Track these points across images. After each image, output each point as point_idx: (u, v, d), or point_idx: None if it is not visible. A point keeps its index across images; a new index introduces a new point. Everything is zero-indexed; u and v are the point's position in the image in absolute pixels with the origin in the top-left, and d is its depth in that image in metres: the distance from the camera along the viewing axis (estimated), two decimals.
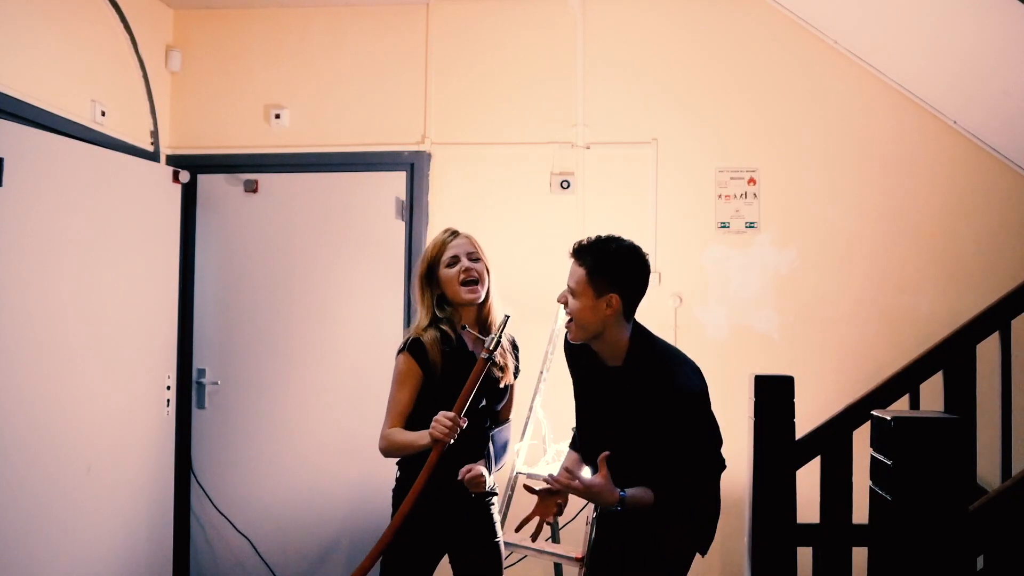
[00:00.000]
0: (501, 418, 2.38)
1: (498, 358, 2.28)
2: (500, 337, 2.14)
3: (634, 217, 3.75)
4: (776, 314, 3.65)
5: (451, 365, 2.24)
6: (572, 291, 2.01)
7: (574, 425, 2.29)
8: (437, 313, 2.28)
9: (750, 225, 3.70)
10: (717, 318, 3.67)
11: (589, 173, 3.78)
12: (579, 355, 2.18)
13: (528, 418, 3.32)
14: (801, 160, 3.69)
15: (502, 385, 2.33)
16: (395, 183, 3.89)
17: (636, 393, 1.98)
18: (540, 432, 3.41)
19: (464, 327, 2.24)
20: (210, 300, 3.99)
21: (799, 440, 2.43)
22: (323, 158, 3.94)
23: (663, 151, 3.76)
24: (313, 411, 3.88)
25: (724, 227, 3.71)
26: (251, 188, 3.96)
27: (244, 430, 3.92)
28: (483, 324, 2.31)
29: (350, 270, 3.89)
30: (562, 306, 2.06)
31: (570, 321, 2.04)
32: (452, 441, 2.10)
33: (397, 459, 2.33)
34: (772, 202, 3.70)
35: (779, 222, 3.69)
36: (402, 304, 3.84)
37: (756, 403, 2.36)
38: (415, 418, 2.24)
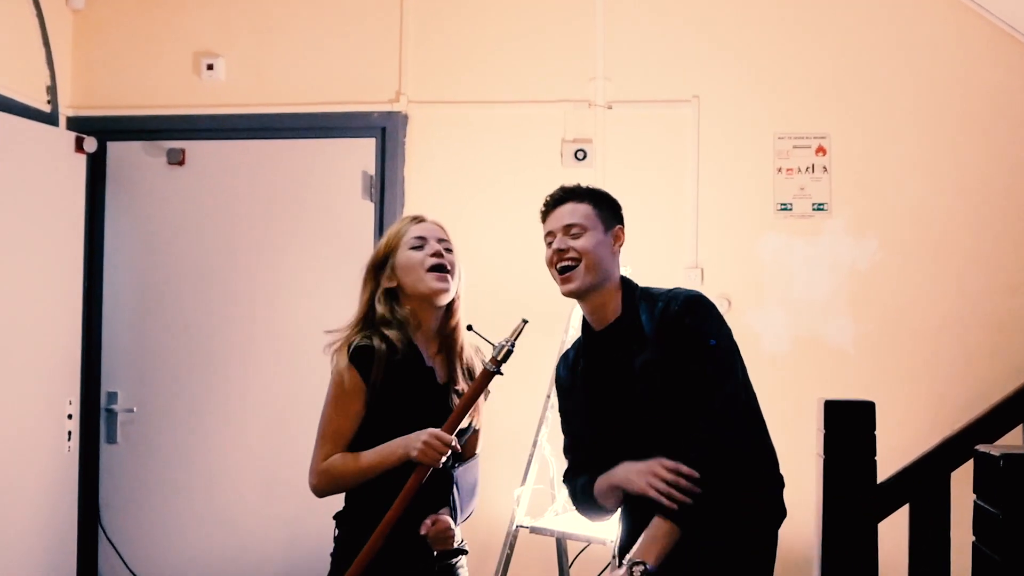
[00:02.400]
0: (467, 452, 2.37)
1: (459, 380, 2.28)
2: (514, 344, 2.16)
3: (668, 197, 3.75)
4: (851, 322, 3.64)
5: (398, 383, 2.21)
6: (579, 227, 2.19)
7: (568, 449, 2.33)
8: (380, 311, 2.25)
9: (818, 207, 3.69)
10: (776, 327, 3.67)
11: (611, 140, 3.78)
12: (576, 358, 2.27)
13: (532, 456, 3.31)
14: (884, 124, 3.68)
15: (468, 423, 2.30)
16: (362, 153, 3.88)
17: (636, 337, 2.11)
18: (547, 474, 3.41)
19: (470, 327, 2.24)
20: (124, 304, 3.98)
21: (882, 484, 2.42)
22: (269, 121, 3.93)
23: (707, 112, 3.75)
24: (258, 445, 3.87)
25: (785, 209, 3.70)
26: (176, 160, 3.96)
27: (167, 470, 3.91)
28: (445, 339, 2.31)
29: (305, 265, 3.89)
30: (560, 264, 2.18)
31: (572, 268, 2.16)
32: (440, 465, 2.12)
33: (338, 513, 2.30)
34: (847, 177, 3.69)
35: (856, 203, 3.68)
36: None
37: (826, 436, 2.35)
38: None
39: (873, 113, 3.69)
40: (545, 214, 2.25)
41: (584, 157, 3.74)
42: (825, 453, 2.34)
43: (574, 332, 3.24)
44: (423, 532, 2.17)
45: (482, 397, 2.31)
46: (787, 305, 3.67)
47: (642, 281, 2.27)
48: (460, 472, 2.31)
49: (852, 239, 3.67)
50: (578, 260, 2.16)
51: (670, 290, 2.18)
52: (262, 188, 3.92)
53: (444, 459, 2.12)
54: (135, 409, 3.94)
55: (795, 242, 3.69)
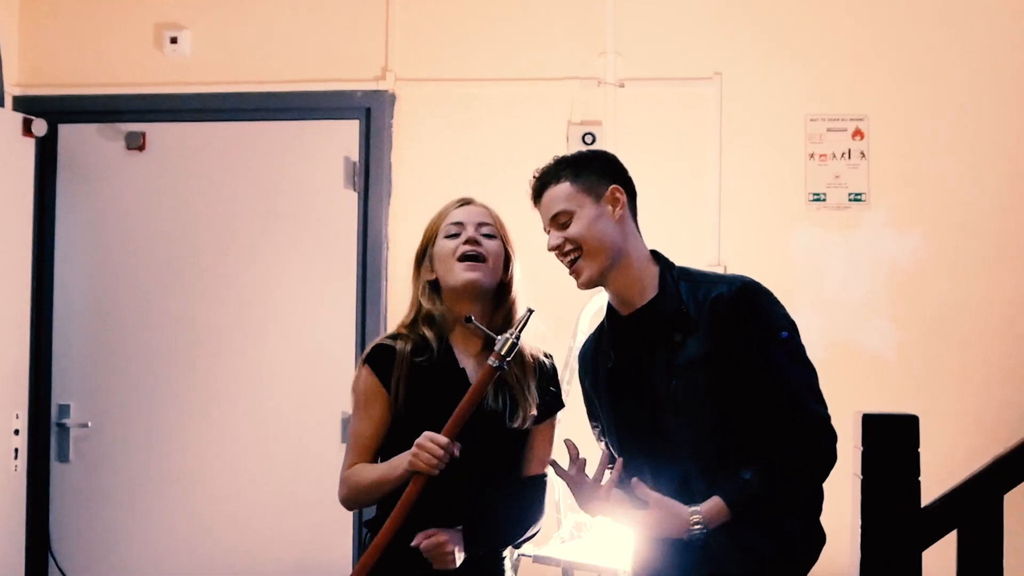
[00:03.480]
0: (525, 469, 2.34)
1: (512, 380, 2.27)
2: (518, 336, 2.14)
3: (687, 186, 3.74)
4: (892, 325, 3.64)
5: (423, 386, 2.24)
6: (565, 214, 2.14)
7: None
8: (426, 307, 2.31)
9: (856, 198, 3.69)
10: (807, 331, 3.54)
11: (623, 122, 3.77)
12: (597, 350, 2.26)
13: None
14: (930, 104, 3.68)
15: (516, 423, 2.27)
16: (344, 137, 3.88)
17: (680, 322, 2.07)
18: (553, 496, 3.40)
19: (470, 319, 2.24)
20: (77, 306, 3.97)
21: (927, 507, 2.41)
22: (240, 101, 3.92)
23: (730, 91, 3.74)
24: (228, 463, 3.87)
25: (818, 200, 3.70)
26: (136, 144, 3.95)
27: (125, 491, 3.90)
28: (500, 331, 2.27)
29: (281, 261, 3.88)
30: (571, 267, 2.16)
31: (577, 260, 2.13)
32: (438, 473, 2.13)
33: (368, 520, 2.34)
34: (887, 164, 3.68)
35: (898, 193, 3.67)
36: (354, 307, 3.83)
37: (864, 453, 2.34)
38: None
39: (917, 92, 3.68)
40: (535, 206, 2.24)
41: (593, 141, 3.74)
42: (863, 473, 2.33)
43: (582, 337, 3.23)
44: (414, 544, 2.18)
45: (533, 408, 2.29)
46: (820, 307, 3.66)
47: None
48: (507, 489, 2.28)
49: (893, 233, 3.66)
50: (578, 249, 2.13)
51: (716, 274, 2.14)
52: (232, 176, 3.91)
53: (440, 464, 2.11)
54: (89, 424, 3.93)
55: (829, 237, 3.68)
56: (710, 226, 3.72)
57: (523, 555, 3.22)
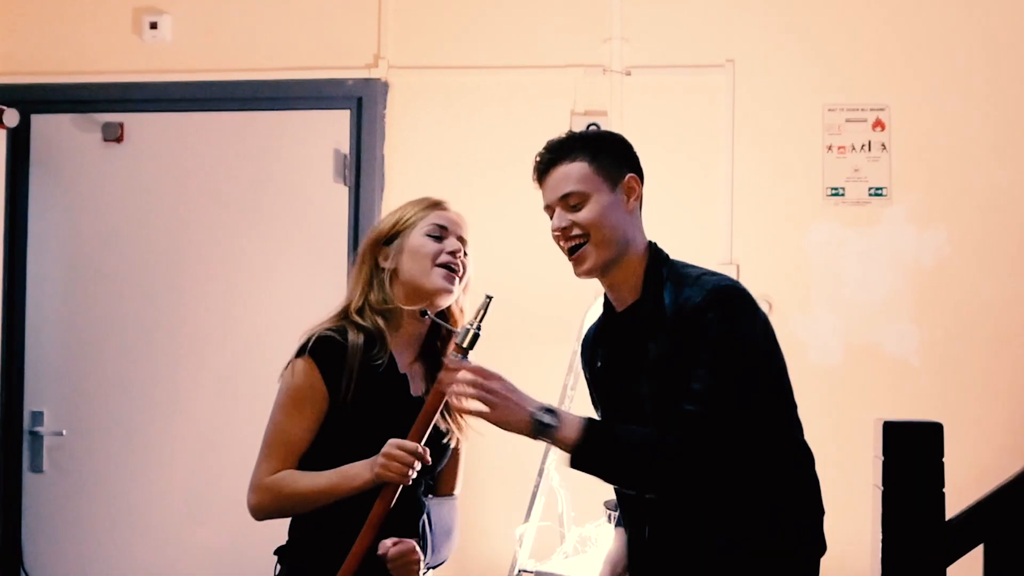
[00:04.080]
0: (442, 488, 2.38)
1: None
2: (479, 327, 2.11)
3: (698, 180, 3.74)
4: (915, 327, 3.63)
5: (372, 388, 2.21)
6: (577, 196, 2.10)
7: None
8: (374, 298, 2.27)
9: (876, 192, 3.68)
10: (825, 333, 3.66)
11: (630, 113, 3.76)
12: (595, 342, 2.26)
13: (537, 488, 3.30)
14: (955, 92, 3.67)
15: (444, 440, 2.30)
16: (333, 128, 3.88)
17: (657, 323, 2.06)
18: (556, 508, 3.39)
19: (426, 312, 2.22)
20: (51, 307, 3.97)
21: (951, 520, 2.40)
22: (223, 90, 3.92)
23: (743, 79, 3.74)
24: (211, 472, 3.87)
25: (836, 195, 3.70)
26: (114, 136, 3.95)
27: (102, 503, 3.90)
28: (430, 349, 2.33)
29: (267, 260, 3.89)
30: (570, 250, 2.13)
31: (581, 247, 2.10)
32: (409, 482, 2.11)
33: (280, 548, 2.29)
34: (910, 156, 3.68)
35: (921, 187, 3.67)
36: None
37: (885, 464, 2.34)
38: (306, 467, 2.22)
39: (942, 79, 3.68)
40: (538, 181, 2.17)
41: None
42: (884, 484, 2.32)
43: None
44: (381, 552, 2.15)
45: (461, 419, 2.30)
46: (838, 308, 3.66)
47: None
48: (434, 507, 2.31)
49: (916, 230, 3.66)
50: (586, 236, 2.10)
51: (703, 276, 2.10)
52: (215, 170, 3.92)
53: (411, 473, 2.10)
54: (64, 432, 3.93)
55: (848, 233, 3.68)
56: (722, 223, 3.72)
57: (524, 571, 3.22)
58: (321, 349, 2.21)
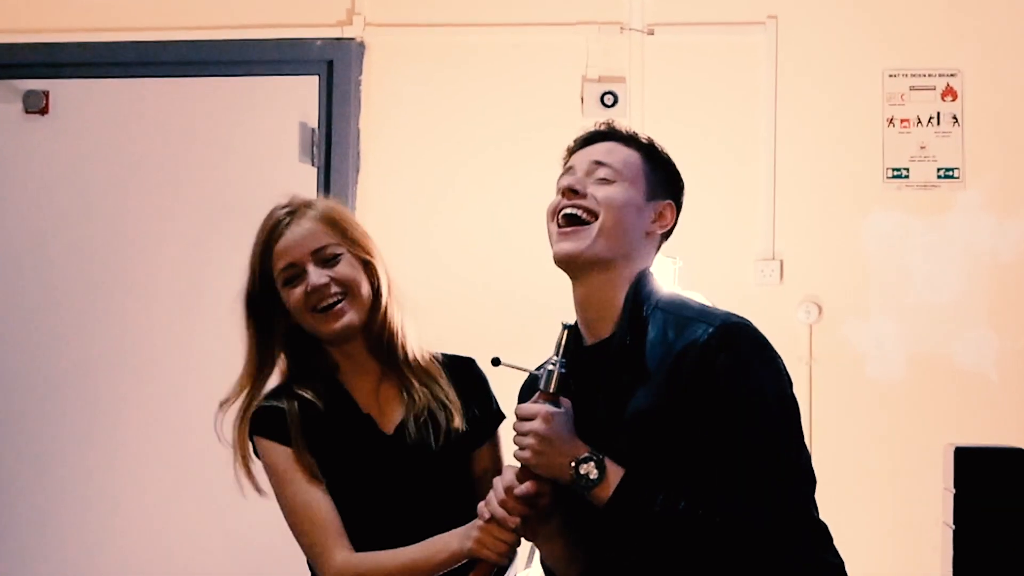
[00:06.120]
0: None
1: (416, 424, 2.29)
2: (564, 365, 2.06)
3: (733, 160, 3.74)
4: (993, 335, 3.63)
5: (325, 442, 2.25)
6: (613, 170, 2.10)
7: None
8: (289, 364, 2.34)
9: (946, 174, 3.68)
10: (885, 343, 3.65)
11: (652, 79, 3.76)
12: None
13: None
14: None
15: (440, 440, 2.29)
16: (299, 98, 3.89)
17: (631, 366, 2.02)
18: None
19: (498, 361, 2.21)
20: None
21: None
22: (167, 52, 3.92)
23: (787, 40, 3.74)
24: (150, 481, 3.89)
25: (898, 177, 3.69)
26: (37, 106, 3.95)
27: (26, 519, 3.92)
28: (386, 352, 2.32)
29: (217, 251, 3.87)
30: (564, 213, 2.09)
31: (581, 223, 2.06)
32: (507, 564, 2.13)
33: None
34: (987, 132, 3.68)
35: (999, 168, 3.67)
36: None
37: (957, 496, 2.34)
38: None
39: None
40: (573, 151, 2.16)
41: (614, 103, 3.74)
42: (955, 521, 2.32)
43: None
44: None
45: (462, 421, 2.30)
46: (901, 312, 3.66)
47: (693, 283, 2.24)
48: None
49: (994, 219, 3.66)
50: (594, 215, 2.07)
51: (705, 311, 2.07)
52: (158, 147, 3.92)
53: (509, 551, 2.10)
54: None
55: (913, 223, 3.68)
56: (762, 211, 3.72)
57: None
58: (261, 423, 2.28)
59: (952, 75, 3.69)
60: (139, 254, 3.93)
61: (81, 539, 3.95)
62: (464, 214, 3.76)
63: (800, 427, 2.04)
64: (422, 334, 2.37)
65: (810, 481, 2.04)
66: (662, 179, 2.14)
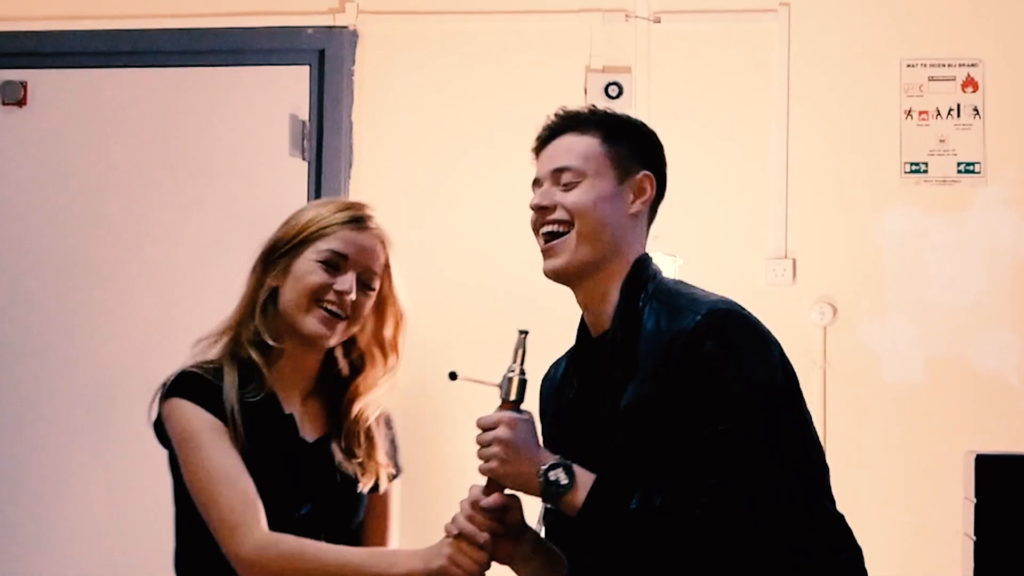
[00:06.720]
0: (373, 543, 2.39)
1: (349, 445, 2.31)
2: (523, 372, 2.08)
3: (743, 154, 3.74)
4: (1016, 337, 3.63)
5: (255, 431, 2.23)
6: (573, 172, 2.09)
7: None
8: (257, 323, 2.28)
9: (967, 169, 3.68)
10: (902, 345, 3.65)
11: (659, 69, 3.77)
12: (565, 377, 2.23)
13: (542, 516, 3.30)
14: None
15: (360, 486, 2.32)
16: (290, 89, 3.89)
17: (624, 357, 2.03)
18: None
19: (455, 375, 2.22)
20: None
21: None
22: (151, 41, 3.92)
23: (800, 28, 3.74)
24: (119, 485, 3.90)
25: (917, 171, 3.69)
26: (15, 98, 3.95)
27: None
28: (330, 386, 2.35)
29: (204, 248, 3.89)
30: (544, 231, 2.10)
31: (559, 236, 2.08)
32: None
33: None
34: (1010, 124, 3.68)
35: (1023, 163, 3.68)
36: None
37: (978, 506, 2.34)
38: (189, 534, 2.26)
39: None
40: (537, 152, 2.16)
41: (619, 94, 3.74)
42: (976, 532, 2.33)
43: None
44: None
45: (380, 470, 2.33)
46: (919, 313, 3.66)
47: (700, 282, 2.22)
48: None
49: (1017, 216, 3.66)
50: (569, 224, 2.08)
51: (697, 296, 2.06)
52: (141, 140, 3.92)
53: (480, 571, 2.10)
54: None
55: (931, 220, 3.68)
56: (774, 207, 3.72)
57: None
58: (190, 389, 2.24)
59: (973, 65, 3.69)
60: (121, 253, 3.93)
61: (81, 539, 3.95)
62: (461, 210, 3.76)
63: (798, 414, 2.03)
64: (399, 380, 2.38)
65: (812, 471, 2.04)
66: (630, 152, 2.13)
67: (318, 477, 2.28)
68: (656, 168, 2.16)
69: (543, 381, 2.29)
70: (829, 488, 2.08)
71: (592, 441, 2.08)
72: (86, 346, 3.95)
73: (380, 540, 2.42)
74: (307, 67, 3.88)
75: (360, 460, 2.33)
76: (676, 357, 1.97)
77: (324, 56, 3.86)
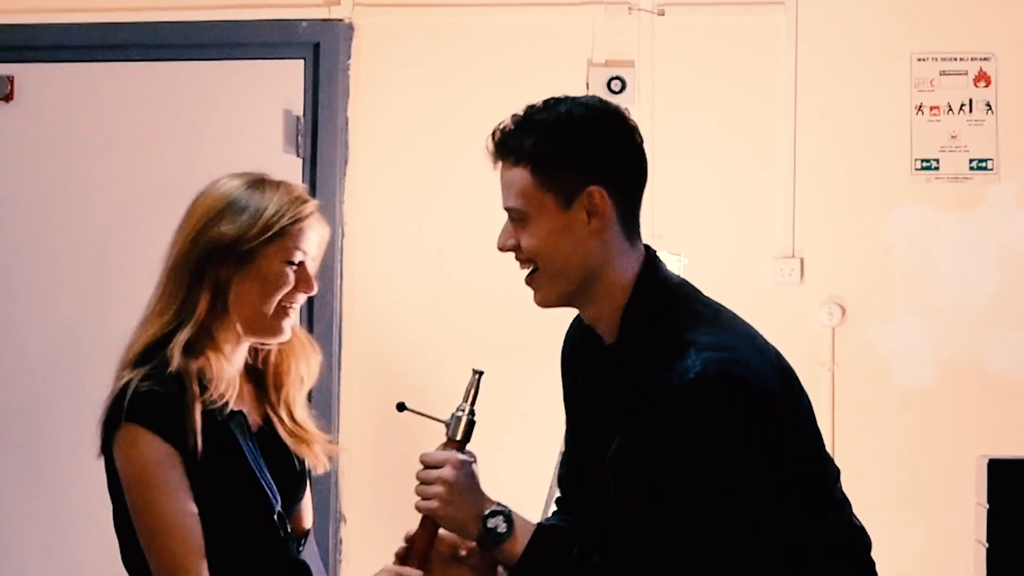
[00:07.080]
0: (297, 528, 2.39)
1: (282, 419, 2.32)
2: (472, 413, 2.09)
3: (750, 150, 3.75)
4: None
5: (215, 433, 2.21)
6: (517, 214, 2.03)
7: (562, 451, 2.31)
8: (206, 316, 2.23)
9: (979, 165, 3.69)
10: (913, 346, 3.66)
11: (663, 63, 3.77)
12: (578, 350, 2.20)
13: (550, 495, 3.30)
14: None
15: (310, 464, 2.35)
16: (283, 83, 3.90)
17: (619, 397, 2.00)
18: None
19: (403, 406, 2.22)
20: None
21: None
22: (141, 35, 3.93)
23: (808, 20, 3.74)
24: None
25: (927, 168, 3.70)
26: (2, 93, 3.96)
27: None
28: (262, 372, 2.35)
29: None
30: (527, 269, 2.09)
31: (533, 272, 2.05)
32: None
33: None
34: (1022, 120, 3.68)
35: None
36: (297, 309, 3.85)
37: (991, 512, 2.34)
38: None
39: None
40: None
41: (622, 88, 3.74)
42: (988, 539, 2.33)
43: None
44: None
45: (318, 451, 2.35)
46: (930, 313, 3.67)
47: (706, 283, 2.20)
48: (309, 558, 2.35)
49: None
50: (531, 263, 2.06)
51: (699, 340, 1.95)
52: (131, 135, 3.93)
53: None
54: None
55: (943, 218, 3.69)
56: (781, 205, 3.72)
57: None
58: (150, 414, 2.18)
59: (985, 59, 3.70)
60: (110, 249, 3.95)
61: (78, 538, 3.98)
62: (458, 208, 3.76)
63: (751, 496, 1.94)
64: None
65: (817, 502, 2.02)
66: (567, 170, 1.99)
67: (278, 466, 2.28)
68: (607, 172, 2.02)
69: (566, 338, 2.26)
70: (835, 500, 2.07)
71: (592, 441, 2.07)
72: (73, 343, 3.96)
73: (307, 519, 2.44)
74: (301, 61, 3.89)
75: (305, 439, 2.34)
76: (652, 416, 1.93)
77: (319, 50, 3.86)
